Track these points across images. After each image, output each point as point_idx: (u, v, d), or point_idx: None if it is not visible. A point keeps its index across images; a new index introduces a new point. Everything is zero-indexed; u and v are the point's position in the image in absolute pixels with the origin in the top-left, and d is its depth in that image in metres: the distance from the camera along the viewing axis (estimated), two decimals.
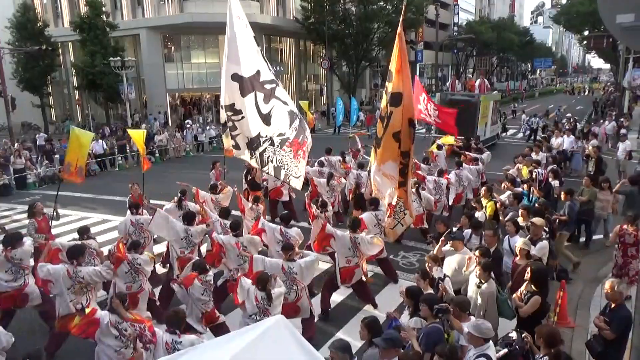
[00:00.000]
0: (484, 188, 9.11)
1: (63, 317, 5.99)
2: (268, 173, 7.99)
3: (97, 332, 4.94)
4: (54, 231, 8.95)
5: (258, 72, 7.55)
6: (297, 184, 7.83)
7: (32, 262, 7.05)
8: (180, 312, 4.95)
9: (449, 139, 13.91)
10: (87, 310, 4.99)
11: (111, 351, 4.94)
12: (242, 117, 7.61)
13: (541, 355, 4.26)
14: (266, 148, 7.56)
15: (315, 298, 7.28)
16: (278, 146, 7.55)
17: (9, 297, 6.48)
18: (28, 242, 6.88)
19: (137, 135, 10.75)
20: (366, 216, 8.04)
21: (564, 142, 15.99)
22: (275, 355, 2.12)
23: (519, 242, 6.28)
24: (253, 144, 7.66)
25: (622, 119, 22.86)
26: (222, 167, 11.35)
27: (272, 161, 7.61)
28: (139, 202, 8.96)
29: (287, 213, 8.45)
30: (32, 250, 7.14)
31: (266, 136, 7.54)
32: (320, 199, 8.88)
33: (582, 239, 9.89)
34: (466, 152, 12.99)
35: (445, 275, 5.77)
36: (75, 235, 7.69)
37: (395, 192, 7.67)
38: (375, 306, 7.42)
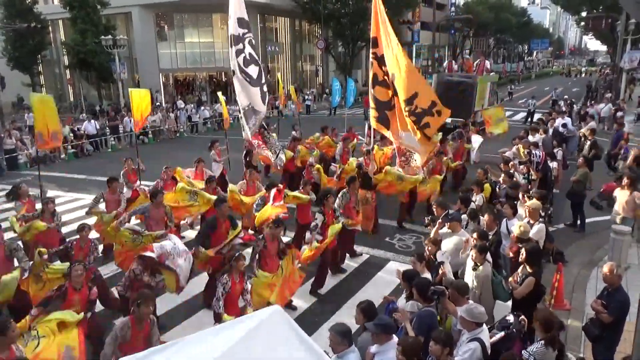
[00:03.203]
0: (479, 171, 9.06)
1: None
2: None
3: None
4: None
5: None
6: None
7: None
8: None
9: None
10: None
11: None
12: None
13: (539, 338, 4.24)
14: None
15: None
16: None
17: None
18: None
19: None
20: None
21: (561, 124, 15.89)
22: (272, 346, 2.05)
23: (515, 226, 6.22)
24: None
25: (619, 101, 22.76)
26: (222, 145, 11.38)
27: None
28: (132, 177, 9.44)
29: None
30: None
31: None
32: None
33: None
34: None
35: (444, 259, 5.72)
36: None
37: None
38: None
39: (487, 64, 21.59)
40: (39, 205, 8.11)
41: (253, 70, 8.57)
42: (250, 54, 8.59)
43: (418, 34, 51.36)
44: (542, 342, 4.14)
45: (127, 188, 9.77)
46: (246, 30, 8.62)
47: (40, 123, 8.61)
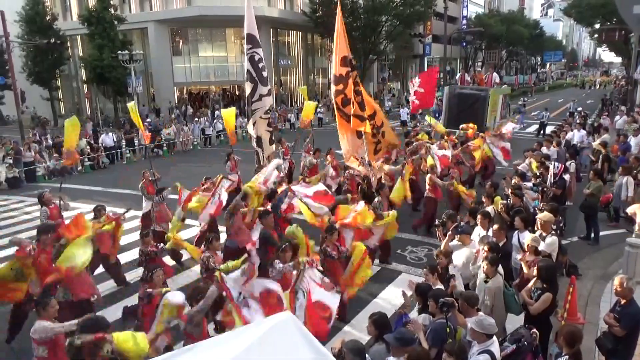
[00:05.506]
0: (488, 183, 9.10)
1: None
2: None
3: None
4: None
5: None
6: None
7: None
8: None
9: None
10: None
11: None
12: None
13: (563, 353, 4.24)
14: None
15: None
16: None
17: None
18: None
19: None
20: None
21: (574, 136, 15.80)
22: (283, 352, 2.11)
23: (527, 238, 6.22)
24: None
25: (636, 111, 22.53)
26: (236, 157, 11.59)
27: None
28: (150, 188, 9.49)
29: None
30: None
31: None
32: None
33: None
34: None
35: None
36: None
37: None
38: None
39: (496, 76, 21.52)
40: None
41: (248, 88, 8.71)
42: (247, 71, 8.72)
43: (430, 47, 51.48)
44: (567, 357, 4.14)
45: (146, 200, 9.68)
46: (250, 46, 8.75)
47: (70, 141, 9.05)
